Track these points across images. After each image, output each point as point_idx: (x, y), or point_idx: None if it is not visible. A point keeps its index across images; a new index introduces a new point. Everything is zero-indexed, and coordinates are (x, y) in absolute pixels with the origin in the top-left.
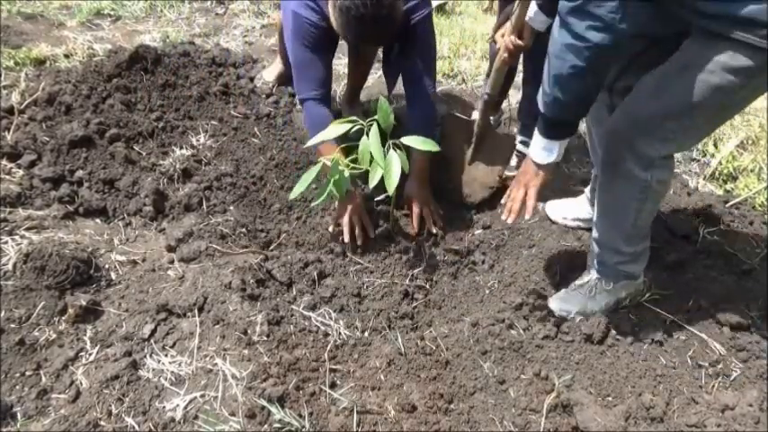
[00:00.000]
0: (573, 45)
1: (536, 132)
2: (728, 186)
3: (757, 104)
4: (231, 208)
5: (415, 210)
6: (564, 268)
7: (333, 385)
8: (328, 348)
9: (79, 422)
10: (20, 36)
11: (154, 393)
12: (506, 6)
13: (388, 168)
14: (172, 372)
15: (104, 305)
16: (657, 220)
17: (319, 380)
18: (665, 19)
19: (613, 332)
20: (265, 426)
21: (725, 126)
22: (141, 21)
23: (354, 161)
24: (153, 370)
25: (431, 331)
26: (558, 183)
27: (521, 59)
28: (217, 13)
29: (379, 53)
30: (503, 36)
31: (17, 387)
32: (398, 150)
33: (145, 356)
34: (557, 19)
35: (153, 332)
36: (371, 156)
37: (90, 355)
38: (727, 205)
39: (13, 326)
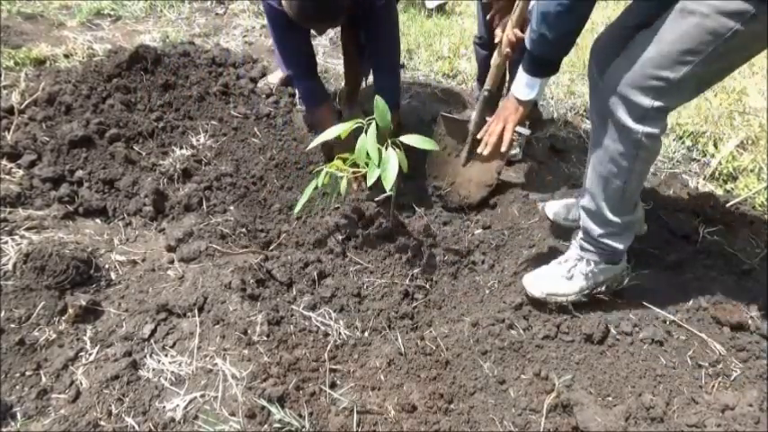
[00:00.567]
0: None
1: (520, 69)
2: (728, 186)
3: (757, 104)
4: (231, 208)
5: None
6: None
7: (333, 385)
8: (328, 348)
9: (79, 422)
10: (20, 36)
11: (154, 393)
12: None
13: (386, 167)
14: (172, 372)
15: (104, 305)
16: (657, 220)
17: (319, 380)
18: None
19: (613, 332)
20: (265, 426)
21: (725, 126)
22: (141, 21)
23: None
24: (153, 370)
25: (431, 331)
26: (557, 183)
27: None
28: (217, 13)
29: None
30: (503, 32)
31: (17, 387)
32: (397, 149)
33: (145, 356)
34: None
35: (153, 332)
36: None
37: (90, 355)
38: (727, 205)
39: (13, 326)
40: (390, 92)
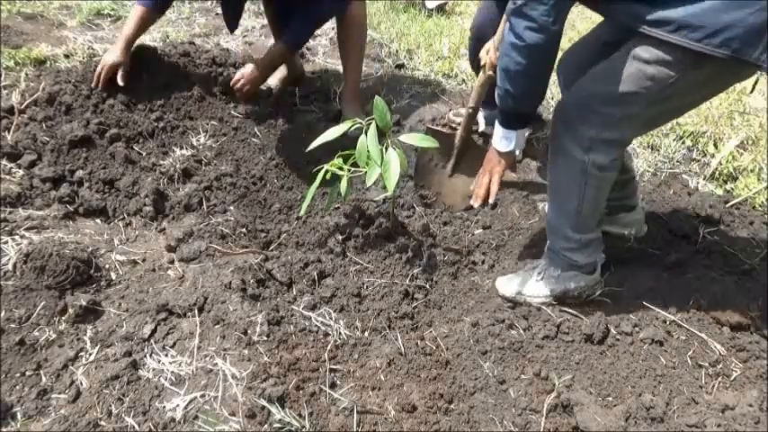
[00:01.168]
0: (515, 44)
1: (496, 122)
2: (728, 186)
3: (757, 104)
4: (231, 208)
5: None
6: None
7: (333, 385)
8: (328, 348)
9: (79, 422)
10: (20, 36)
11: (154, 393)
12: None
13: (387, 167)
14: (172, 372)
15: (104, 305)
16: (657, 220)
17: (319, 380)
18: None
19: (613, 332)
20: (265, 426)
21: (725, 126)
22: None
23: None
24: (153, 370)
25: (431, 331)
26: None
27: None
28: (217, 13)
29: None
30: (487, 53)
31: (17, 387)
32: (397, 149)
33: (145, 356)
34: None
35: (153, 332)
36: (369, 155)
37: (90, 355)
38: (727, 205)
39: (13, 326)
40: (291, 31)
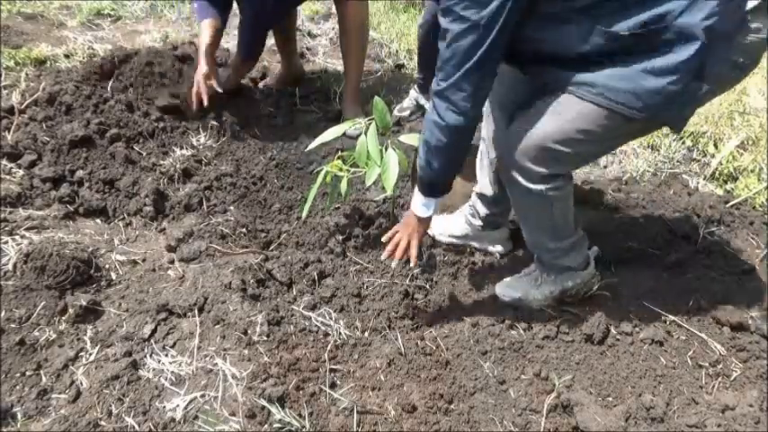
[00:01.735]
0: (437, 122)
1: (416, 189)
2: (729, 186)
3: (757, 104)
4: (231, 208)
5: None
6: None
7: (333, 385)
8: (328, 348)
9: (79, 422)
10: (20, 36)
11: (154, 393)
12: None
13: (386, 167)
14: (172, 372)
15: (104, 305)
16: (657, 220)
17: (319, 380)
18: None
19: (614, 332)
20: (265, 426)
21: (725, 126)
22: (141, 21)
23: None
24: (153, 370)
25: (431, 331)
26: None
27: None
28: None
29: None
30: None
31: (17, 387)
32: (397, 150)
33: (145, 356)
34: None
35: (153, 332)
36: (369, 155)
37: (90, 355)
38: (727, 205)
39: (13, 326)
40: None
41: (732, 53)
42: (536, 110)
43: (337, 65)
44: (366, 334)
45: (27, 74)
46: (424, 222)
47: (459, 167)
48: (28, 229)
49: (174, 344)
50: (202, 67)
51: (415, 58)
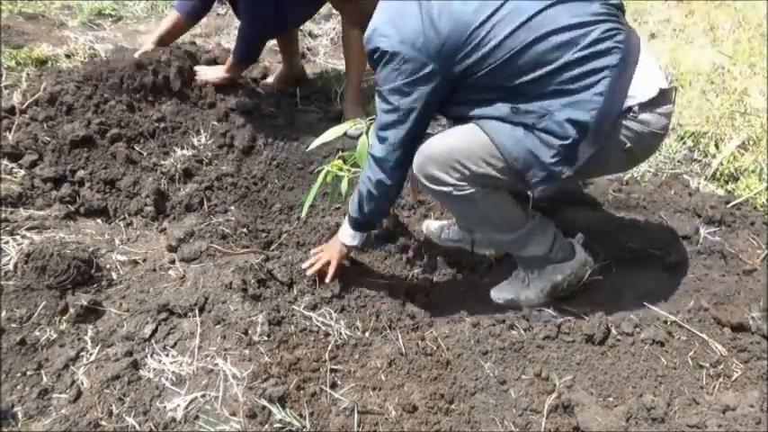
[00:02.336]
0: (368, 176)
1: (345, 220)
2: (729, 187)
3: (759, 105)
4: (232, 208)
5: None
6: None
7: (333, 385)
8: (329, 348)
9: (80, 422)
10: (21, 36)
11: (155, 393)
12: None
13: None
14: (173, 372)
15: (105, 305)
16: (658, 221)
17: (320, 380)
18: None
19: (614, 333)
20: (266, 426)
21: (726, 126)
22: (142, 21)
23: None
24: (154, 370)
25: (431, 331)
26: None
27: None
28: (218, 14)
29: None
30: None
31: (18, 387)
32: None
33: (146, 356)
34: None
35: (154, 332)
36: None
37: (91, 354)
38: (728, 206)
39: (14, 326)
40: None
41: (605, 144)
42: (459, 128)
43: (338, 65)
44: (367, 334)
45: (28, 74)
46: (348, 249)
47: (386, 214)
48: (29, 229)
49: (175, 344)
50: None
51: None
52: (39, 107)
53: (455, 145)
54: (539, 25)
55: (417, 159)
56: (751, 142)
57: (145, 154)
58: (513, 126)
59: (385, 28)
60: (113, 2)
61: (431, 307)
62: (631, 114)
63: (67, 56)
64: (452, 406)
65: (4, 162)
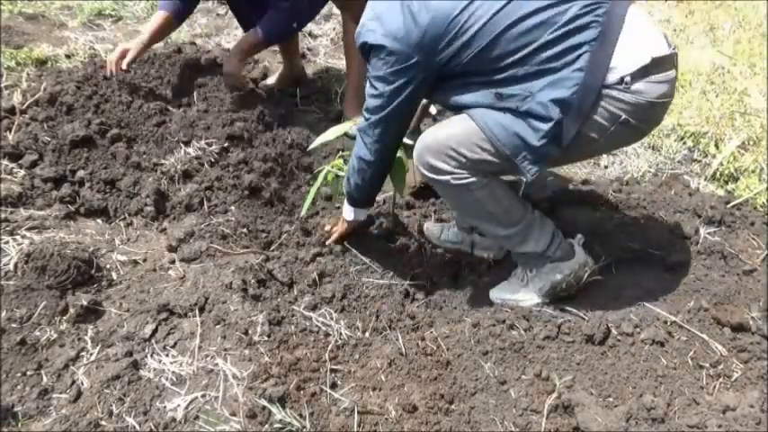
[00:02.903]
0: (356, 152)
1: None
2: (729, 187)
3: (759, 105)
4: (232, 208)
5: None
6: None
7: (333, 385)
8: (329, 348)
9: (80, 422)
10: (21, 36)
11: (155, 393)
12: None
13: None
14: (173, 372)
15: (105, 305)
16: (658, 221)
17: (320, 380)
18: None
19: (614, 333)
20: (266, 426)
21: (726, 127)
22: (142, 21)
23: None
24: (154, 370)
25: (432, 332)
26: (556, 181)
27: None
28: (218, 14)
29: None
30: None
31: (18, 387)
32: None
33: (146, 356)
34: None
35: (154, 332)
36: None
37: (91, 354)
38: (728, 206)
39: (14, 326)
40: (266, 19)
41: (588, 123)
42: (456, 118)
43: (338, 65)
44: (367, 334)
45: (28, 74)
46: (349, 224)
47: (372, 192)
48: (29, 229)
49: (175, 344)
50: (126, 45)
51: None
52: (39, 107)
53: (450, 133)
54: (516, 8)
55: (416, 150)
56: (751, 142)
57: (145, 154)
58: (500, 112)
59: (371, 23)
60: (113, 2)
61: (431, 307)
62: (623, 86)
63: (67, 56)
64: (452, 406)
65: (5, 162)
